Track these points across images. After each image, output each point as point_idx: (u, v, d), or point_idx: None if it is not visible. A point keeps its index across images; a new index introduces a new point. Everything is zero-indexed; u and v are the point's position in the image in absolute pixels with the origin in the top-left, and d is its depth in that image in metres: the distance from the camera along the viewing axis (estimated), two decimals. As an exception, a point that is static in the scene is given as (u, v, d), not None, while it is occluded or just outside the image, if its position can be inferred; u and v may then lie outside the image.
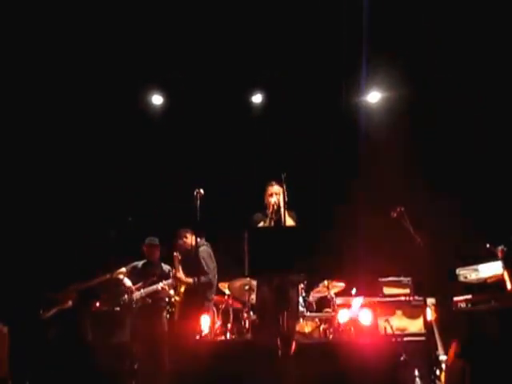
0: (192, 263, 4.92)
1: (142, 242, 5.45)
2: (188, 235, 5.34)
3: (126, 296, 5.09)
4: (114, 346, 5.17)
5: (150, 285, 5.13)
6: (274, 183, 4.43)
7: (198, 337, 4.87)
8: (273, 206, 4.27)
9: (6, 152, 6.16)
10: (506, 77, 5.93)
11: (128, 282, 5.17)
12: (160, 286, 5.05)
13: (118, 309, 5.43)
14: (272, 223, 4.24)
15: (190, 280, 5.03)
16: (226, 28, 6.00)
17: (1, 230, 5.83)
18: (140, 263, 5.39)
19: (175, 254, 5.10)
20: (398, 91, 6.60)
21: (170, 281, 5.08)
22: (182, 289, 5.32)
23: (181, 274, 5.05)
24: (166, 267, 5.36)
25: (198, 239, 5.21)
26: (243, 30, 6.03)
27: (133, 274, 5.26)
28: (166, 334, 5.09)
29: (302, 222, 4.23)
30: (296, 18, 5.89)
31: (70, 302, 5.19)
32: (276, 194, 4.34)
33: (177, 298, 5.23)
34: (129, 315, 5.15)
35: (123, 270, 5.27)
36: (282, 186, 4.22)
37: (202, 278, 4.85)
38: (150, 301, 5.13)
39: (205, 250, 5.26)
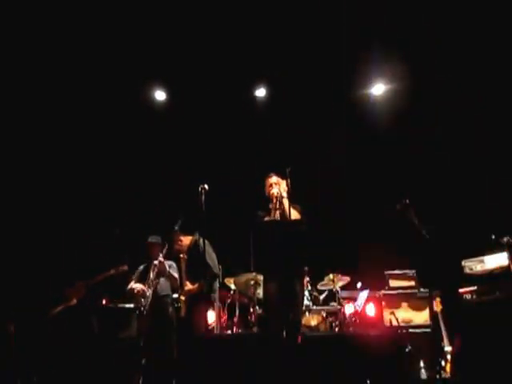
0: (196, 262, 4.94)
1: (144, 240, 5.46)
2: (182, 238, 5.36)
3: (142, 300, 5.09)
4: (122, 342, 5.21)
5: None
6: (272, 174, 4.39)
7: (204, 331, 4.90)
8: (276, 197, 4.23)
9: (12, 150, 6.19)
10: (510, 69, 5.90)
11: (138, 286, 5.18)
12: (158, 260, 5.07)
13: (124, 305, 5.48)
14: (277, 215, 4.19)
15: (197, 286, 5.04)
16: (229, 21, 5.97)
17: (7, 229, 5.86)
18: (141, 267, 5.41)
19: (182, 255, 5.10)
20: (403, 83, 6.57)
21: (164, 250, 5.10)
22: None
23: (189, 286, 5.07)
24: (168, 262, 5.36)
25: (191, 236, 5.23)
26: (246, 24, 6.00)
27: (139, 279, 5.29)
28: (173, 329, 5.12)
29: (307, 216, 4.21)
30: (300, 11, 5.86)
31: (75, 300, 5.22)
32: (276, 185, 4.29)
33: (182, 298, 5.27)
34: (137, 311, 5.18)
35: (125, 267, 5.30)
36: (282, 178, 4.20)
37: (208, 276, 4.85)
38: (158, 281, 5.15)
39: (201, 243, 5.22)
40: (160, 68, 6.47)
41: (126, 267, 5.34)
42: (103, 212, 6.53)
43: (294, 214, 4.06)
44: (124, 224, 5.66)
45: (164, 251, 5.07)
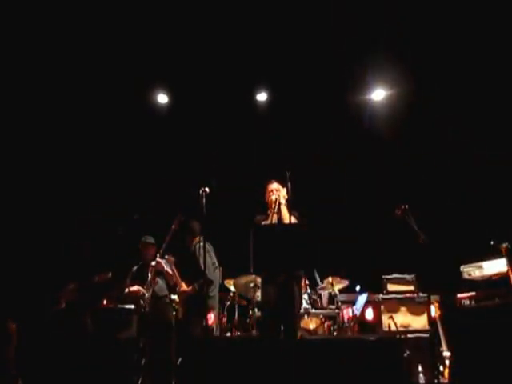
0: (190, 264, 4.99)
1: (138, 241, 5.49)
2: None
3: (141, 301, 5.12)
4: (122, 342, 5.23)
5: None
6: (273, 181, 4.47)
7: (203, 333, 4.92)
8: (274, 202, 4.29)
9: (16, 149, 6.23)
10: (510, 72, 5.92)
11: (136, 288, 5.20)
12: (156, 260, 5.11)
13: (124, 306, 5.50)
14: (274, 219, 4.25)
15: (191, 288, 5.09)
16: (231, 27, 6.02)
17: (5, 230, 5.88)
18: (135, 268, 5.43)
19: (167, 257, 5.15)
20: (403, 89, 6.60)
21: (161, 250, 5.13)
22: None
23: (184, 287, 5.12)
24: (162, 261, 5.37)
25: (197, 238, 5.24)
26: (248, 29, 6.04)
27: (134, 280, 5.31)
28: (172, 330, 5.14)
29: (305, 220, 4.25)
30: (301, 16, 5.91)
31: (64, 304, 5.24)
32: (276, 191, 4.37)
33: (177, 299, 5.31)
34: (137, 312, 5.21)
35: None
36: (281, 183, 4.26)
37: (201, 280, 4.88)
38: (157, 281, 5.18)
39: (201, 247, 5.25)
40: (162, 71, 6.52)
41: (109, 275, 5.39)
42: (104, 213, 6.57)
43: (292, 221, 4.10)
44: (126, 225, 5.69)
45: (161, 251, 5.11)
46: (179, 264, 5.31)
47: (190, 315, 5.03)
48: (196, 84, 6.54)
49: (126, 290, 5.19)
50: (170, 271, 5.17)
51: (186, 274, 5.15)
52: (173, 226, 5.11)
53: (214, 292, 5.14)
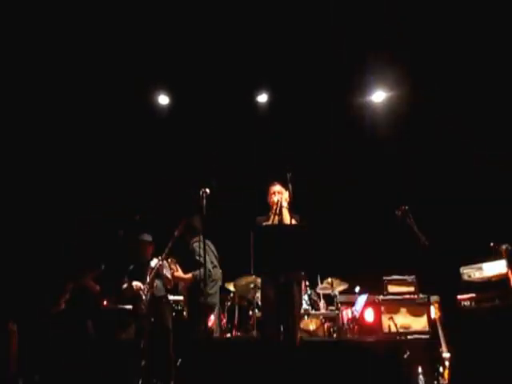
0: (188, 261, 5.00)
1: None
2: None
3: (141, 304, 5.12)
4: (121, 343, 5.23)
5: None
6: (275, 182, 4.47)
7: (204, 333, 4.93)
8: (276, 204, 4.30)
9: (17, 149, 6.24)
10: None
11: (135, 283, 5.20)
12: (158, 263, 5.11)
13: (124, 306, 5.50)
14: (275, 221, 4.25)
15: (190, 275, 5.08)
16: (232, 29, 6.04)
17: (5, 231, 5.88)
18: (132, 266, 5.40)
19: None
20: (403, 90, 6.61)
21: (164, 254, 5.13)
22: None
23: (180, 273, 5.11)
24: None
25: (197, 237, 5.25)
26: (249, 31, 6.06)
27: (131, 279, 5.31)
28: (170, 330, 5.14)
29: (306, 222, 4.25)
30: (302, 18, 5.93)
31: (64, 305, 5.24)
32: (278, 193, 4.38)
33: (179, 298, 5.30)
34: (135, 312, 5.20)
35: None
36: (284, 186, 4.27)
37: (201, 270, 4.85)
38: (156, 282, 5.18)
39: (199, 245, 5.24)
40: (163, 72, 6.54)
41: (102, 267, 5.38)
42: (104, 213, 6.58)
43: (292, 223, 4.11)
44: (127, 227, 5.69)
45: (163, 255, 5.10)
46: (179, 262, 5.31)
47: (191, 316, 5.03)
48: (197, 85, 6.55)
49: (125, 285, 5.18)
50: (168, 276, 5.16)
51: (186, 270, 5.15)
52: (176, 233, 5.09)
53: (214, 289, 5.14)
